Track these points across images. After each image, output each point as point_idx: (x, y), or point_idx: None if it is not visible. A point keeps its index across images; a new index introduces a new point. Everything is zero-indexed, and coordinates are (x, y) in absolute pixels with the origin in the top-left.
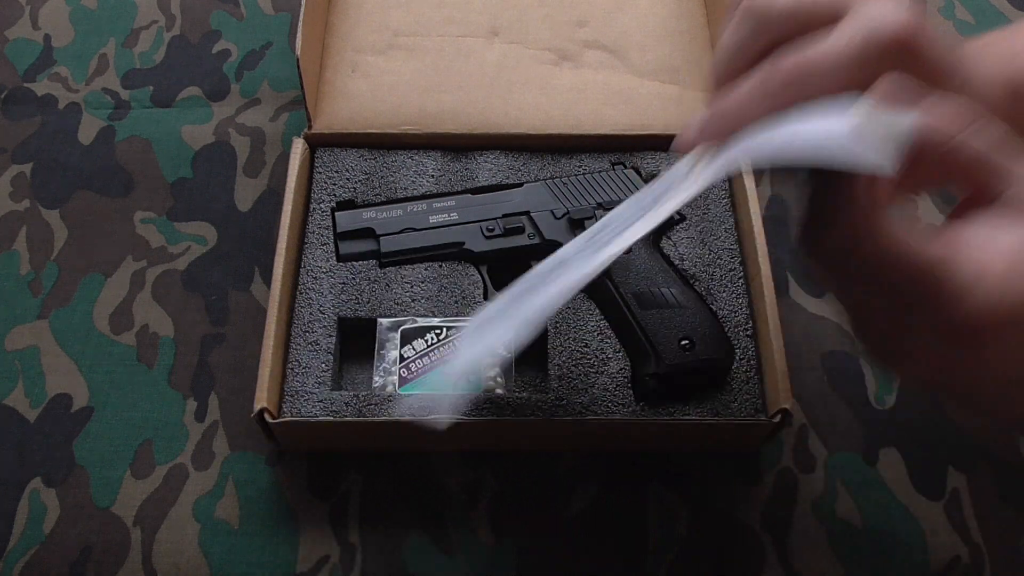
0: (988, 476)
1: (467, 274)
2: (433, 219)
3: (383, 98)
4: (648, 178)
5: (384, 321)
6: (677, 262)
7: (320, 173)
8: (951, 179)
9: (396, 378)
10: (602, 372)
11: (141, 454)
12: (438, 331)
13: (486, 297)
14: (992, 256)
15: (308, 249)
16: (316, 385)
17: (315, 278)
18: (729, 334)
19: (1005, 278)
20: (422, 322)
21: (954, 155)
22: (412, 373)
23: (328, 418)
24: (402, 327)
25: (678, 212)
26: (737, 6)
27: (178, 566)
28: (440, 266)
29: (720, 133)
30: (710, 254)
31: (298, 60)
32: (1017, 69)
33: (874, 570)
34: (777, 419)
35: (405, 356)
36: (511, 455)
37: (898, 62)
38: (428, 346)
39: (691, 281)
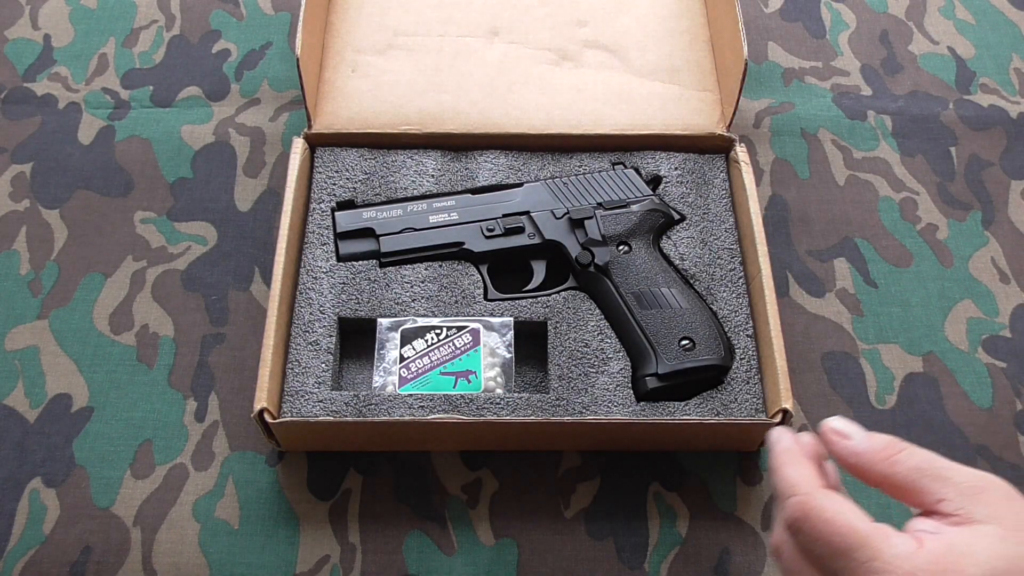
0: None
1: (467, 274)
2: (433, 219)
3: (383, 98)
4: (648, 178)
5: (384, 321)
6: (677, 262)
7: (320, 173)
8: (893, 494)
9: (396, 378)
10: (602, 372)
11: (141, 454)
12: (438, 331)
13: (486, 297)
14: (921, 552)
15: (308, 249)
16: (316, 385)
17: (315, 278)
18: (729, 334)
19: (928, 570)
20: (422, 322)
21: (889, 477)
22: (412, 373)
23: (328, 418)
24: (402, 327)
25: (678, 212)
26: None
27: (178, 566)
28: (440, 266)
29: None
30: (710, 254)
31: (298, 60)
32: None
33: None
34: (777, 419)
35: (405, 356)
36: (511, 455)
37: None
38: (428, 346)
39: (691, 281)
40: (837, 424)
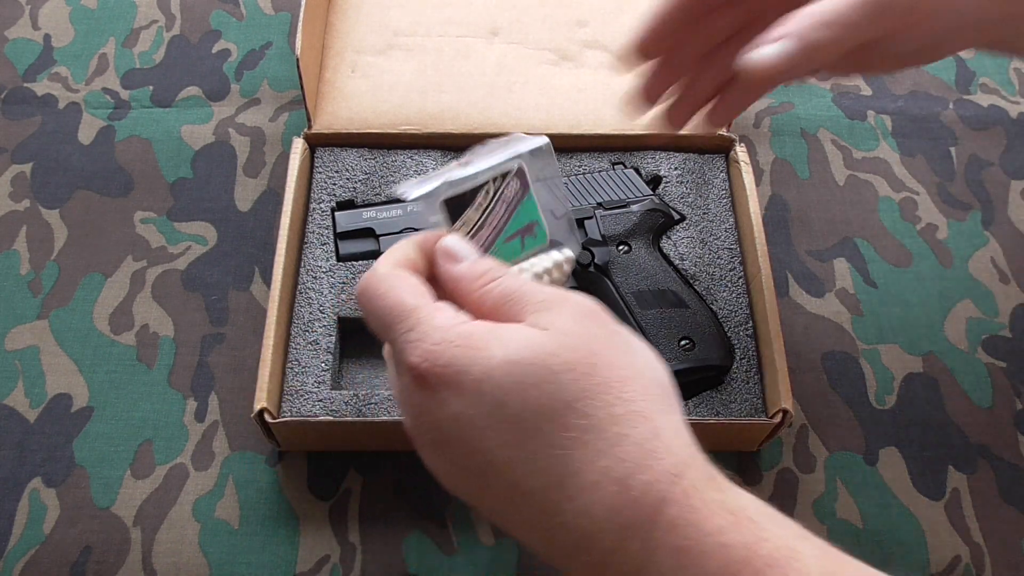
0: (988, 476)
1: None
2: (433, 219)
3: (383, 98)
4: (648, 178)
5: (407, 190)
6: (677, 262)
7: (320, 173)
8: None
9: None
10: None
11: (141, 454)
12: (485, 188)
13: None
14: (458, 327)
15: (308, 249)
16: (316, 384)
17: (315, 277)
18: (729, 334)
19: (456, 343)
20: (454, 175)
21: (480, 305)
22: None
23: (328, 418)
24: (440, 197)
25: (678, 212)
26: None
27: (178, 566)
28: None
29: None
30: (710, 254)
31: (298, 60)
32: None
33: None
34: (777, 419)
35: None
36: None
37: None
38: (483, 213)
39: (691, 281)
40: (451, 243)
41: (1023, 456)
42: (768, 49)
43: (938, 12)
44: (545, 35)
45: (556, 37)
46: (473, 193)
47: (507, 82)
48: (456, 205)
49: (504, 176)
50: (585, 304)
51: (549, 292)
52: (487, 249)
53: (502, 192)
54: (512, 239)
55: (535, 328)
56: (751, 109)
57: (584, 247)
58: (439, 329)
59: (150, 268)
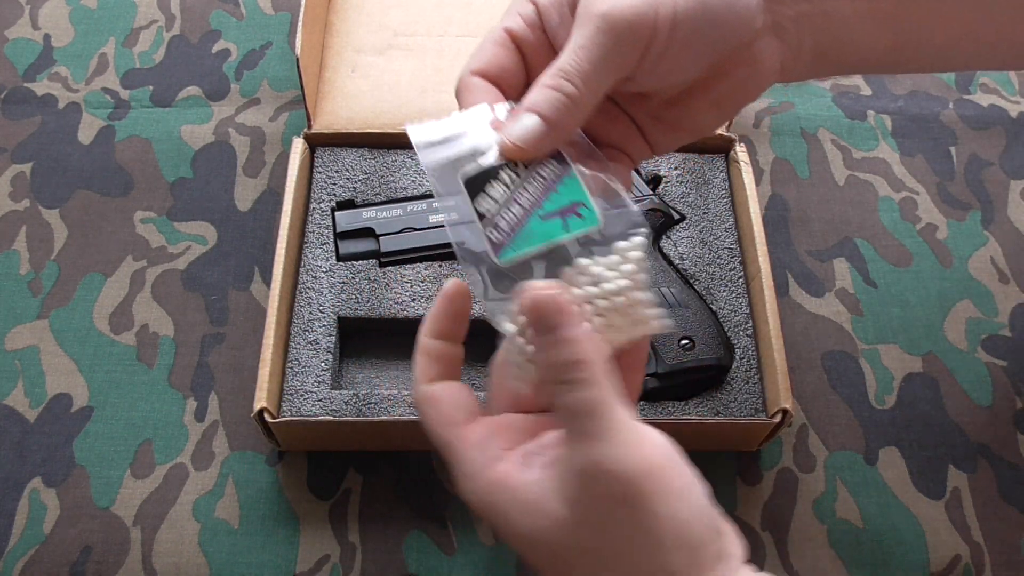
0: (988, 476)
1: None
2: (433, 219)
3: (383, 98)
4: (648, 178)
5: (428, 164)
6: (677, 262)
7: (320, 173)
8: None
9: (488, 246)
10: None
11: (141, 454)
12: (512, 164)
13: (486, 297)
14: (493, 470)
15: (308, 249)
16: (316, 384)
17: (315, 277)
18: (729, 334)
19: (479, 494)
20: (483, 159)
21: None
22: (504, 233)
23: (328, 418)
24: (460, 170)
25: (677, 212)
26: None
27: (178, 566)
28: (440, 266)
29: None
30: (710, 254)
31: (298, 60)
32: None
33: (874, 570)
34: (777, 419)
35: (484, 212)
36: None
37: None
38: (510, 187)
39: (691, 281)
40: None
41: (1023, 456)
42: (514, 129)
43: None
44: None
45: None
46: (497, 170)
47: None
48: (478, 181)
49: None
50: (636, 479)
51: (619, 439)
52: (519, 227)
53: (536, 169)
54: (551, 217)
55: (557, 507)
56: (751, 109)
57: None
58: (469, 478)
59: (150, 268)
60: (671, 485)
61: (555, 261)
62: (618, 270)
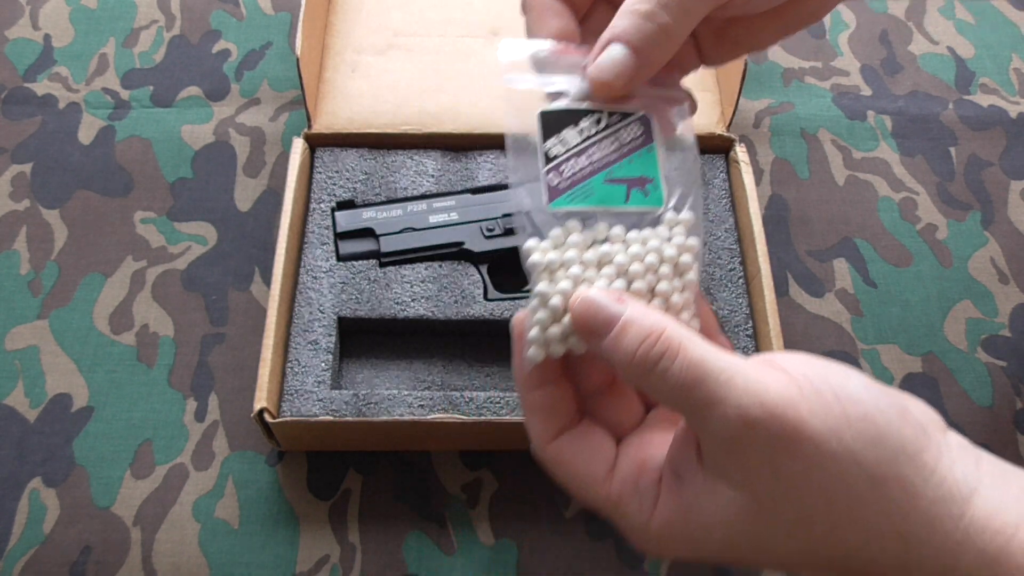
0: None
1: (467, 274)
2: (433, 219)
3: (383, 98)
4: None
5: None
6: None
7: (320, 173)
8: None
9: (543, 189)
10: None
11: (141, 454)
12: (596, 116)
13: (486, 297)
14: (653, 517)
15: (308, 249)
16: (316, 384)
17: (315, 277)
18: (729, 334)
19: (658, 543)
20: (568, 102)
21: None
22: (565, 180)
23: (328, 418)
24: (541, 109)
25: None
26: None
27: (178, 566)
28: (440, 266)
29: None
30: (710, 254)
31: (298, 60)
32: None
33: None
34: None
35: (552, 155)
36: (511, 455)
37: None
38: (585, 139)
39: None
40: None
41: (1023, 456)
42: (602, 61)
43: None
44: None
45: None
46: (578, 116)
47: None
48: (554, 121)
49: (625, 116)
50: (771, 446)
51: (743, 384)
52: (578, 181)
53: (618, 130)
54: (616, 183)
55: (734, 502)
56: (751, 109)
57: None
58: (638, 531)
59: (150, 268)
60: (827, 397)
61: (591, 221)
62: (657, 250)
